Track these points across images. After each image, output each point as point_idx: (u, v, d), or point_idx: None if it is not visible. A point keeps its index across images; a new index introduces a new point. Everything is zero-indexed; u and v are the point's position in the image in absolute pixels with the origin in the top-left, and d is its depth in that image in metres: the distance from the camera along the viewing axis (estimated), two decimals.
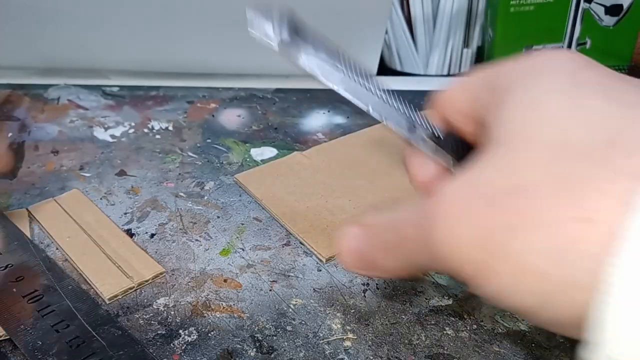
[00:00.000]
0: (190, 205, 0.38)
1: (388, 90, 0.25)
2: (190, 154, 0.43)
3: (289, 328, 0.29)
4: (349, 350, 0.28)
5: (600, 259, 0.15)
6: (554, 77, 0.19)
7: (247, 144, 0.44)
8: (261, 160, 0.43)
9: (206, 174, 0.41)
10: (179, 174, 0.41)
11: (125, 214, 0.37)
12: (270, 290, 0.31)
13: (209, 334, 0.29)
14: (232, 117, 0.48)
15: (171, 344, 0.28)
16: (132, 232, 0.35)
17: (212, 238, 0.35)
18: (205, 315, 0.30)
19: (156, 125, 0.47)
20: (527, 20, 0.54)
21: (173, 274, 0.32)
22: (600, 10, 0.52)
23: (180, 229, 0.36)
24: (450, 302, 0.31)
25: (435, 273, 0.33)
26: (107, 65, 0.54)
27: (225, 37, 0.52)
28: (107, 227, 0.35)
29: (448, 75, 0.59)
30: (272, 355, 0.28)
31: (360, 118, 0.48)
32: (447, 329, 0.29)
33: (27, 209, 0.36)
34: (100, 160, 0.42)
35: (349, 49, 0.53)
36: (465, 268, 0.18)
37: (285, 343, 0.28)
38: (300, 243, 0.35)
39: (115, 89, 0.52)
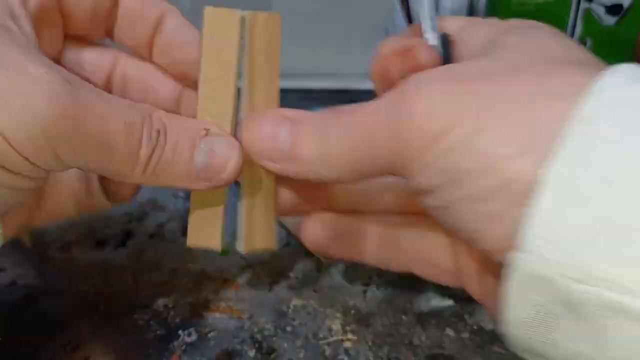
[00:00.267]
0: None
1: None
2: None
3: (288, 329, 0.29)
4: (349, 351, 0.28)
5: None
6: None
7: None
8: None
9: None
10: None
11: (125, 213, 0.37)
12: (270, 290, 0.31)
13: (209, 335, 0.29)
14: None
15: (170, 345, 0.28)
16: (132, 232, 0.35)
17: None
18: (205, 315, 0.30)
19: None
20: (527, 19, 0.54)
21: (173, 274, 0.32)
22: (601, 10, 0.52)
23: (179, 229, 0.35)
24: (451, 302, 0.31)
25: None
26: None
27: None
28: None
29: None
30: (272, 356, 0.28)
31: None
32: (447, 329, 0.29)
33: None
34: None
35: (349, 48, 0.53)
36: (425, 135, 0.19)
37: (285, 344, 0.28)
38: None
39: None
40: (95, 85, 0.21)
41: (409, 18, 0.57)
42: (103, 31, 0.26)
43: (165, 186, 0.23)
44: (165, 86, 0.27)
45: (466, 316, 0.30)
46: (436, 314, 0.30)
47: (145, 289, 0.31)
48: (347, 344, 0.28)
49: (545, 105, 0.18)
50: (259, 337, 0.29)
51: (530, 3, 0.56)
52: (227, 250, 0.34)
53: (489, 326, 0.29)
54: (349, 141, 0.21)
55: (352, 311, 0.30)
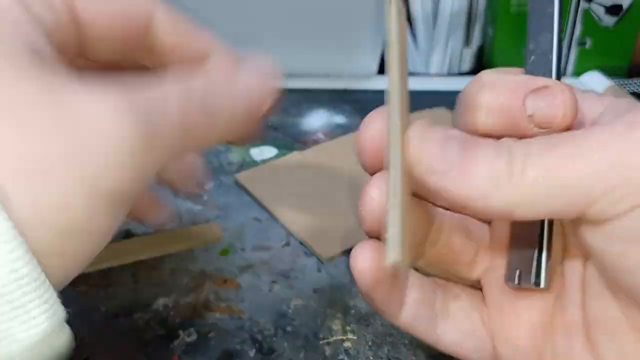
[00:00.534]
0: (190, 205, 0.37)
1: None
2: None
3: (289, 329, 0.29)
4: (349, 351, 0.28)
5: None
6: None
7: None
8: (261, 160, 0.42)
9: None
10: None
11: None
12: (270, 290, 0.31)
13: (209, 335, 0.29)
14: None
15: (170, 345, 0.28)
16: (132, 232, 0.35)
17: None
18: (205, 315, 0.30)
19: None
20: (527, 20, 0.54)
21: (173, 274, 0.32)
22: (600, 10, 0.52)
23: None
24: None
25: None
26: None
27: (225, 36, 0.51)
28: None
29: (448, 74, 0.59)
30: (272, 356, 0.28)
31: (361, 117, 0.47)
32: None
33: None
34: None
35: (349, 48, 0.53)
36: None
37: (285, 344, 0.28)
38: (300, 243, 0.34)
39: None
40: None
41: (409, 19, 0.57)
42: (135, 62, 0.24)
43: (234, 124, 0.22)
44: None
45: None
46: None
47: (145, 289, 0.31)
48: (347, 344, 0.28)
49: None
50: (259, 337, 0.29)
51: None
52: (227, 250, 0.34)
53: None
54: (553, 178, 0.19)
55: (352, 311, 0.30)
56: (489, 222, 0.25)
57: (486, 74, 0.23)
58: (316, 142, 0.45)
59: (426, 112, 0.49)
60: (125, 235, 0.35)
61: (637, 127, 0.18)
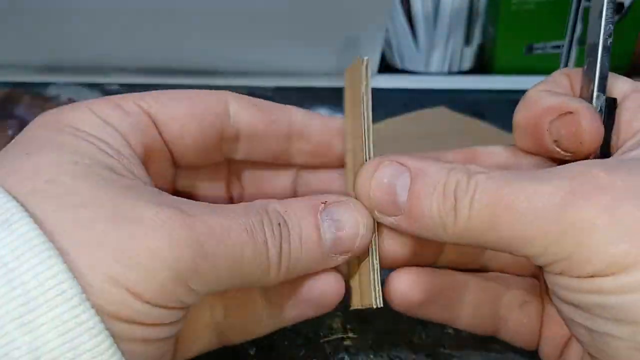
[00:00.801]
0: None
1: None
2: None
3: (289, 327, 0.29)
4: (350, 350, 0.28)
5: None
6: None
7: None
8: None
9: None
10: None
11: None
12: None
13: None
14: None
15: None
16: None
17: None
18: None
19: None
20: (527, 19, 0.54)
21: None
22: None
23: None
24: None
25: None
26: (107, 63, 0.54)
27: (225, 35, 0.51)
28: None
29: (449, 73, 0.59)
30: (273, 355, 0.28)
31: None
32: (447, 328, 0.29)
33: None
34: None
35: (350, 47, 0.53)
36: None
37: (286, 342, 0.28)
38: None
39: (115, 87, 0.52)
40: (214, 197, 0.21)
41: (409, 18, 0.57)
42: (221, 156, 0.24)
43: (304, 275, 0.22)
44: (279, 175, 0.26)
45: None
46: None
47: None
48: (348, 342, 0.28)
49: None
50: None
51: (530, 2, 0.57)
52: None
53: None
54: (493, 214, 0.19)
55: (353, 310, 0.30)
56: None
57: (532, 90, 0.24)
58: None
59: (426, 111, 0.49)
60: None
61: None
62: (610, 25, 0.22)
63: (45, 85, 0.52)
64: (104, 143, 0.20)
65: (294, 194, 0.26)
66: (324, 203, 0.22)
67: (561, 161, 0.22)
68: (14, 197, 0.17)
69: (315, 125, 0.24)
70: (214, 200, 0.25)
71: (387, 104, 0.50)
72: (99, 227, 0.17)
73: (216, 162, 0.25)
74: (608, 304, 0.18)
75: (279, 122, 0.24)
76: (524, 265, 0.25)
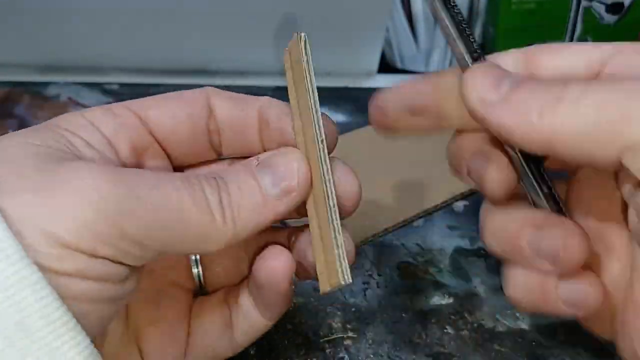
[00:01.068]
0: None
1: None
2: None
3: (289, 327, 0.29)
4: (350, 349, 0.28)
5: None
6: None
7: None
8: None
9: None
10: None
11: None
12: None
13: None
14: None
15: None
16: None
17: None
18: None
19: None
20: (528, 18, 0.54)
21: None
22: (601, 9, 0.52)
23: None
24: (451, 300, 0.31)
25: (437, 272, 0.32)
26: (107, 62, 0.54)
27: (225, 34, 0.51)
28: None
29: None
30: (273, 354, 0.28)
31: (361, 116, 0.47)
32: (447, 327, 0.29)
33: None
34: None
35: (350, 47, 0.53)
36: None
37: (286, 342, 0.28)
38: None
39: (115, 87, 0.52)
40: None
41: (409, 18, 0.57)
42: (213, 152, 0.25)
43: (257, 228, 0.21)
44: None
45: (466, 314, 0.30)
46: (436, 312, 0.30)
47: None
48: (348, 342, 0.28)
49: None
50: None
51: (530, 2, 0.56)
52: None
53: (489, 324, 0.29)
54: (603, 114, 0.18)
55: (353, 309, 0.30)
56: None
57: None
58: None
59: None
60: None
61: None
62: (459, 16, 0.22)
63: (45, 84, 0.52)
64: (76, 137, 0.21)
65: None
66: (257, 159, 0.22)
67: None
68: None
69: (272, 111, 0.24)
70: None
71: None
72: (33, 186, 0.17)
73: (210, 159, 0.25)
74: None
75: (249, 112, 0.24)
76: None
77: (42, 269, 0.16)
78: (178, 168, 0.25)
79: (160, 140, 0.23)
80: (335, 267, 0.20)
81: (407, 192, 0.39)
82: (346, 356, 0.28)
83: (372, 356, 0.28)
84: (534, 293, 0.22)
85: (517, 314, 0.30)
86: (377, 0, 0.50)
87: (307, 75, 0.23)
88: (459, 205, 0.38)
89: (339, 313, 0.30)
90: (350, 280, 0.20)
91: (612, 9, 0.52)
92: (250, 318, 0.24)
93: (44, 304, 0.16)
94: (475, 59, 0.22)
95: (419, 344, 0.28)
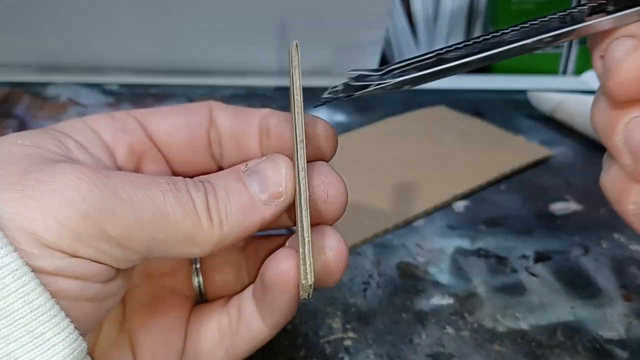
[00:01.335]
0: None
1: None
2: None
3: (289, 327, 0.29)
4: (350, 349, 0.28)
5: None
6: None
7: None
8: None
9: None
10: None
11: None
12: None
13: None
14: None
15: None
16: None
17: None
18: None
19: None
20: (528, 18, 0.54)
21: None
22: None
23: None
24: (451, 301, 0.31)
25: (437, 272, 0.32)
26: (107, 63, 0.54)
27: (224, 34, 0.51)
28: None
29: None
30: (273, 354, 0.28)
31: (361, 116, 0.47)
32: (447, 328, 0.29)
33: None
34: None
35: (350, 47, 0.53)
36: None
37: (286, 342, 0.28)
38: None
39: (115, 87, 0.52)
40: None
41: (409, 18, 0.57)
42: (213, 163, 0.25)
43: (245, 232, 0.21)
44: None
45: (466, 314, 0.30)
46: (436, 312, 0.30)
47: None
48: (348, 342, 0.28)
49: None
50: None
51: (530, 2, 0.57)
52: None
53: (489, 324, 0.29)
54: None
55: (353, 309, 0.30)
56: None
57: None
58: None
59: (426, 110, 0.49)
60: None
61: None
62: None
63: (45, 85, 0.52)
64: (70, 139, 0.21)
65: None
66: (246, 165, 0.22)
67: None
68: None
69: (272, 119, 0.24)
70: None
71: (387, 104, 0.50)
72: (15, 186, 0.17)
73: (210, 172, 0.25)
74: None
75: (250, 121, 0.24)
76: None
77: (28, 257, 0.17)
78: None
79: (160, 147, 0.24)
80: (301, 268, 0.20)
81: (407, 192, 0.39)
82: (346, 356, 0.28)
83: (372, 356, 0.28)
84: (614, 190, 0.21)
85: (517, 314, 0.30)
86: (377, 0, 0.50)
87: (293, 79, 0.23)
88: (459, 205, 0.38)
89: (339, 313, 0.30)
90: (312, 280, 0.20)
91: None
92: (253, 326, 0.24)
93: (26, 291, 0.16)
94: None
95: (419, 344, 0.28)
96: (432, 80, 0.20)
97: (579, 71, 0.56)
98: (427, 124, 0.47)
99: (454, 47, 0.20)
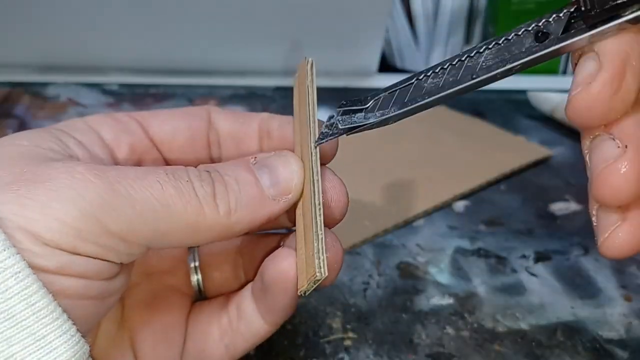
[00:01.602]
0: None
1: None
2: None
3: (289, 327, 0.29)
4: (350, 350, 0.28)
5: None
6: None
7: None
8: None
9: None
10: None
11: None
12: None
13: None
14: None
15: None
16: None
17: None
18: None
19: None
20: (527, 18, 0.54)
21: None
22: None
23: None
24: (451, 301, 0.31)
25: (437, 272, 0.32)
26: (107, 63, 0.54)
27: (224, 34, 0.51)
28: None
29: None
30: (273, 354, 0.28)
31: None
32: (447, 328, 0.29)
33: None
34: None
35: (350, 47, 0.53)
36: None
37: (286, 342, 0.28)
38: None
39: (115, 87, 0.52)
40: None
41: (409, 18, 0.57)
42: (210, 162, 0.25)
43: (250, 225, 0.21)
44: None
45: (466, 314, 0.30)
46: (436, 312, 0.30)
47: None
48: (348, 342, 0.28)
49: None
50: None
51: (530, 2, 0.56)
52: None
53: (488, 324, 0.29)
54: None
55: (353, 309, 0.30)
56: None
57: None
58: None
59: (426, 111, 0.49)
60: None
61: None
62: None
63: (45, 85, 0.52)
64: (70, 137, 0.21)
65: None
66: (255, 158, 0.22)
67: None
68: None
69: (273, 122, 0.25)
70: None
71: None
72: (14, 185, 0.17)
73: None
74: None
75: (249, 123, 0.25)
76: None
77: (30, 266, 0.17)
78: None
79: (160, 148, 0.24)
80: (314, 262, 0.20)
81: (407, 192, 0.39)
82: (346, 356, 0.28)
83: (372, 356, 0.28)
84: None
85: (517, 314, 0.30)
86: (377, 0, 0.50)
87: (309, 92, 0.24)
88: (459, 205, 0.38)
89: (339, 313, 0.30)
90: (327, 274, 0.20)
91: None
92: (252, 323, 0.24)
93: (29, 293, 0.16)
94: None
95: (419, 344, 0.28)
96: (412, 115, 0.23)
97: None
98: (427, 124, 0.47)
99: (431, 72, 0.22)
